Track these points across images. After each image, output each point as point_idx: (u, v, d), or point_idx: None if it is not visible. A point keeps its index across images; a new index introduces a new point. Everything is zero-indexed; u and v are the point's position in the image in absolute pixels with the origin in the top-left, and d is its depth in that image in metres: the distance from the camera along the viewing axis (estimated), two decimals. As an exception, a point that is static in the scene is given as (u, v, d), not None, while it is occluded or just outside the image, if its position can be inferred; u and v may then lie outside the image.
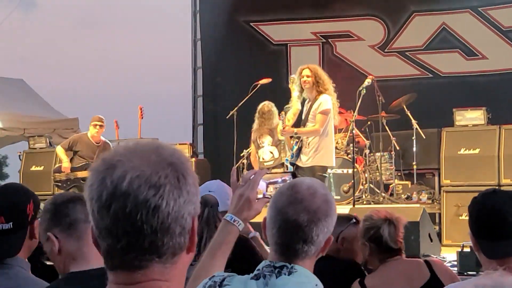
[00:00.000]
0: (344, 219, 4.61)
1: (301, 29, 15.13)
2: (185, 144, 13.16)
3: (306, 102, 9.10)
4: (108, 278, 1.66)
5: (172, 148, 1.67)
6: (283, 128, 9.11)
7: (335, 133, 9.92)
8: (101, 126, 11.50)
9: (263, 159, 11.15)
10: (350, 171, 10.68)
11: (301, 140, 9.03)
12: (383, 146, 11.76)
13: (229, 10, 15.25)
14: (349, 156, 10.92)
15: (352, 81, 11.70)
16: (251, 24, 15.35)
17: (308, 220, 2.50)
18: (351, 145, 10.63)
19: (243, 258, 3.42)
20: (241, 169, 11.55)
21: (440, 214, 10.57)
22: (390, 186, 11.62)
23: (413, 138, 11.55)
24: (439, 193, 10.87)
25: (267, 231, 2.59)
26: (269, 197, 2.73)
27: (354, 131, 10.58)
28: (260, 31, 15.33)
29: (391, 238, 4.17)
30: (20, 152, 13.62)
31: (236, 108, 11.39)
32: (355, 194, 10.61)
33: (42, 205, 3.13)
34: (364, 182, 11.20)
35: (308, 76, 8.93)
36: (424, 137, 11.59)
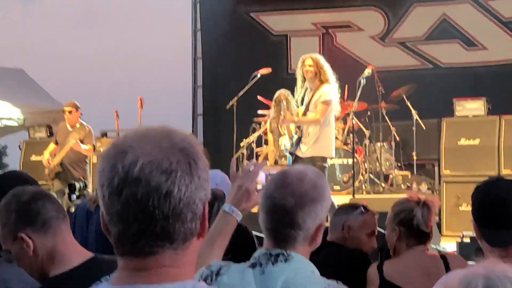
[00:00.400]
0: (350, 208, 4.61)
1: (301, 20, 15.10)
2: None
3: (308, 91, 9.11)
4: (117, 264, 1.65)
5: (183, 133, 1.66)
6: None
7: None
8: (70, 112, 11.16)
9: (284, 145, 11.11)
10: (350, 161, 10.69)
11: (301, 130, 9.04)
12: (383, 136, 11.77)
13: (229, 0, 15.23)
14: (349, 146, 10.94)
15: (352, 71, 11.69)
16: (251, 14, 15.32)
17: (294, 204, 2.49)
18: (351, 135, 10.65)
19: (242, 246, 3.43)
20: (240, 159, 11.56)
21: (439, 204, 10.58)
22: (390, 176, 11.64)
23: (413, 128, 11.55)
24: (439, 183, 10.87)
25: (259, 218, 2.60)
26: None
27: (354, 121, 10.60)
28: (260, 22, 15.30)
29: (424, 221, 4.01)
30: (20, 142, 13.62)
31: (236, 98, 11.37)
32: (355, 185, 10.63)
33: None
34: (364, 172, 11.22)
35: (310, 66, 8.93)
36: (424, 128, 11.60)
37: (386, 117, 11.73)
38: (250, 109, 11.45)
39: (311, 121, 8.96)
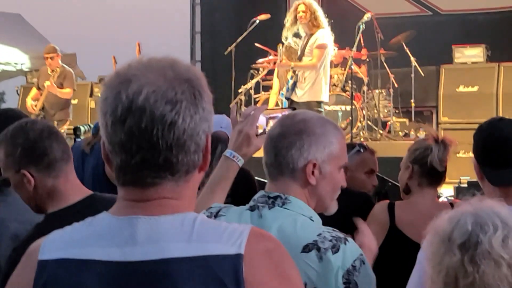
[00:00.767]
0: (346, 147, 4.56)
1: (301, -35, 14.94)
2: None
3: (303, 37, 9.11)
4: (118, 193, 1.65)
5: (187, 64, 1.64)
6: (280, 61, 9.14)
7: (331, 68, 9.91)
8: (51, 58, 11.14)
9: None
10: (348, 108, 10.69)
11: (297, 75, 9.04)
12: (382, 83, 11.73)
13: None
14: (347, 92, 10.92)
15: (350, 18, 11.63)
16: (250, -41, 15.17)
17: (279, 134, 2.50)
18: (349, 82, 10.62)
19: (244, 189, 3.44)
20: (239, 105, 11.55)
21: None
22: (388, 123, 11.64)
23: (412, 75, 11.51)
24: (437, 130, 10.88)
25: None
26: None
27: (352, 67, 10.57)
28: (258, -33, 15.15)
29: (439, 158, 3.86)
30: (17, 87, 13.60)
31: (234, 44, 11.33)
32: (353, 131, 10.64)
33: None
34: (362, 119, 11.22)
35: (303, 12, 8.92)
36: (423, 75, 11.56)
37: (385, 64, 11.68)
38: (249, 56, 11.40)
39: (308, 66, 8.96)
